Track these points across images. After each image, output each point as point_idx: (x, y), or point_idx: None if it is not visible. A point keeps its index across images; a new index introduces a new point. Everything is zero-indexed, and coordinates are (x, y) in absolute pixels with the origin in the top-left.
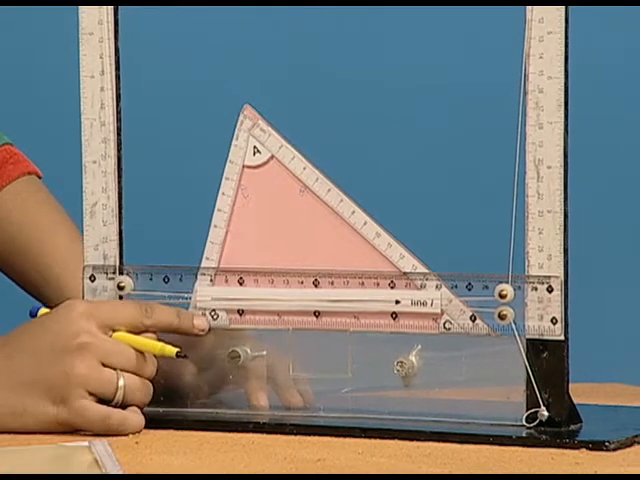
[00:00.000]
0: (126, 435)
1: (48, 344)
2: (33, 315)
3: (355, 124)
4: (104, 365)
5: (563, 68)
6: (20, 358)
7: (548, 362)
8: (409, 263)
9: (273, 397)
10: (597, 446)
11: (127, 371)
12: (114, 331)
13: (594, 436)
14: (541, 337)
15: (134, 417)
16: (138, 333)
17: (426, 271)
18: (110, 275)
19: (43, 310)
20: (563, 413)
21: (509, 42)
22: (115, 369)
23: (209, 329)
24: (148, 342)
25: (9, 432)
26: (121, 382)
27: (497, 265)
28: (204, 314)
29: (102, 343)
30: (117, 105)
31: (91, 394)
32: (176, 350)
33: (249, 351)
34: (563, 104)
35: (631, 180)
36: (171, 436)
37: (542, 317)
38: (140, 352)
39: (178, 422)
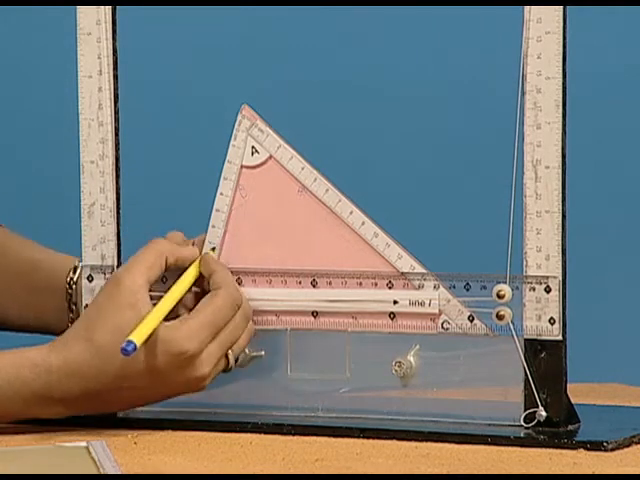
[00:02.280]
0: None
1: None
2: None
3: (353, 124)
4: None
5: (561, 68)
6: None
7: (546, 362)
8: (407, 263)
9: (272, 396)
10: (595, 446)
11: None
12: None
13: (592, 436)
14: (539, 337)
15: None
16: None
17: (424, 271)
18: (108, 275)
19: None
20: (561, 413)
21: (507, 42)
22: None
23: None
24: (185, 282)
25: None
26: (231, 358)
27: (495, 265)
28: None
29: (200, 349)
30: (115, 105)
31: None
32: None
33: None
34: (561, 104)
35: (630, 180)
36: (169, 436)
37: (540, 317)
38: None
39: (176, 422)
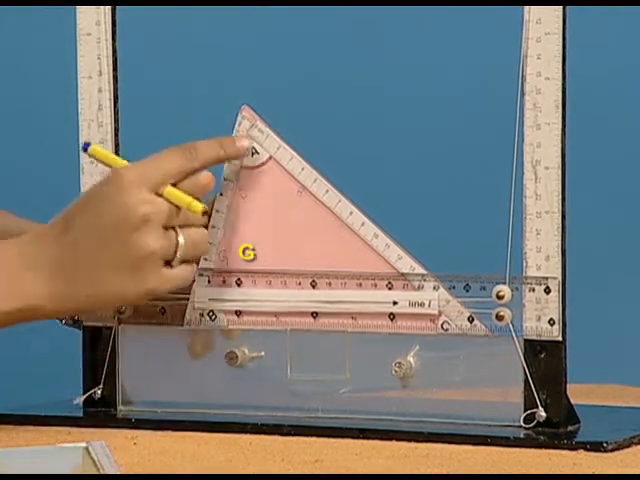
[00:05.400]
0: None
1: (110, 223)
2: (85, 150)
3: (353, 125)
4: (165, 228)
5: (561, 69)
6: (85, 243)
7: (546, 363)
8: (407, 264)
9: (272, 397)
10: (595, 447)
11: (186, 225)
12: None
13: (592, 437)
14: (539, 338)
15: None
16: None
17: (424, 272)
18: None
19: (95, 146)
20: (561, 414)
21: (507, 43)
22: (174, 228)
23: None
24: (180, 196)
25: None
26: (181, 240)
27: (495, 266)
28: (245, 137)
29: (160, 208)
30: (115, 106)
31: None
32: (202, 206)
33: (247, 352)
34: (561, 105)
35: (629, 181)
36: (169, 437)
37: (540, 318)
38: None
39: (176, 423)
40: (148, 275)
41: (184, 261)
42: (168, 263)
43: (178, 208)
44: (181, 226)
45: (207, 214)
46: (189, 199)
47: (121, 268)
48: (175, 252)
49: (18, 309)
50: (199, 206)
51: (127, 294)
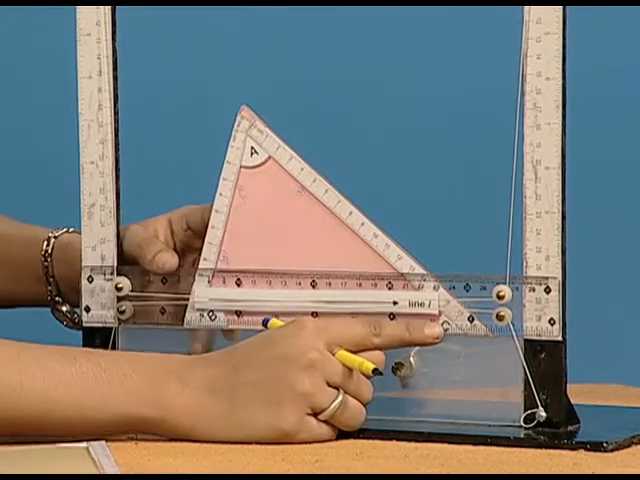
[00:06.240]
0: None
1: (276, 359)
2: (265, 325)
3: (353, 125)
4: (328, 384)
5: (561, 69)
6: (246, 371)
7: (546, 363)
8: (407, 264)
9: None
10: (595, 447)
11: (348, 393)
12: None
13: (592, 437)
14: (539, 338)
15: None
16: (364, 349)
17: (424, 272)
18: (108, 276)
19: (274, 321)
20: (561, 414)
21: (506, 43)
22: (337, 388)
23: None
24: (351, 358)
25: (220, 442)
26: (340, 398)
27: (495, 266)
28: (434, 320)
29: (329, 362)
30: (115, 106)
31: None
32: (373, 366)
33: None
34: (561, 105)
35: (629, 181)
36: None
37: (540, 318)
38: (362, 376)
39: None
40: (289, 414)
41: (329, 421)
42: (315, 415)
43: (348, 370)
44: (345, 390)
45: (378, 373)
46: (360, 360)
47: (266, 399)
48: (328, 406)
49: (152, 418)
50: (371, 366)
51: (260, 426)
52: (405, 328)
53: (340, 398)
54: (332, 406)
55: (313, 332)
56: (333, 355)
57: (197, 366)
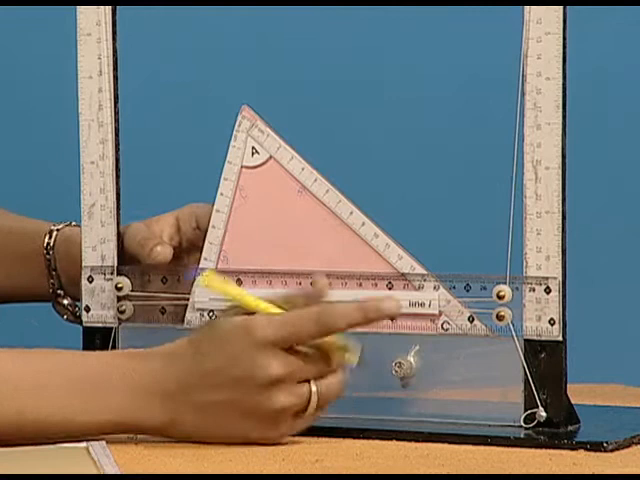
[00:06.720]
0: None
1: (243, 377)
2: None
3: (353, 125)
4: (299, 382)
5: (561, 69)
6: (214, 379)
7: (546, 363)
8: (407, 264)
9: None
10: (595, 447)
11: (319, 378)
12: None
13: (592, 437)
14: (539, 338)
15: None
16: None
17: (424, 272)
18: (108, 276)
19: (211, 275)
20: (561, 414)
21: (506, 43)
22: (308, 380)
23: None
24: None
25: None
26: (313, 389)
27: (495, 266)
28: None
29: (291, 366)
30: (115, 106)
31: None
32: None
33: None
34: (561, 105)
35: (629, 181)
36: None
37: (540, 318)
38: (321, 352)
39: None
40: (280, 425)
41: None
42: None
43: (308, 357)
44: (315, 378)
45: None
46: (341, 347)
47: (251, 416)
48: (308, 403)
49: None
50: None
51: (252, 437)
52: (356, 309)
53: (314, 389)
54: (311, 404)
55: (261, 344)
56: (291, 348)
57: (171, 370)
